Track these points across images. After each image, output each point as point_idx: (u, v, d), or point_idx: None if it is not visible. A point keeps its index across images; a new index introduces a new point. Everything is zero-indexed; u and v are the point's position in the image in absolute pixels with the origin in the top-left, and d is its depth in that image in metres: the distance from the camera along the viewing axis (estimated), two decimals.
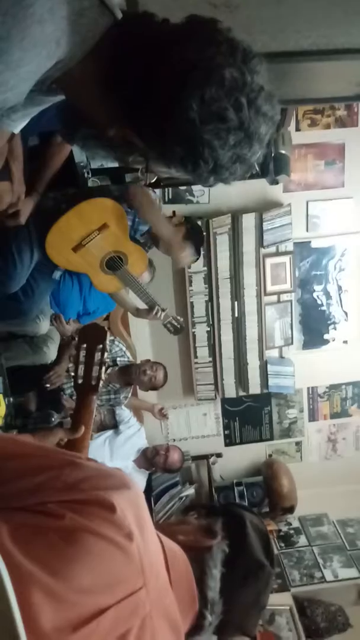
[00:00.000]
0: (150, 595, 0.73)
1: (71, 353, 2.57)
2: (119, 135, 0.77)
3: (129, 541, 0.71)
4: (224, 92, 0.70)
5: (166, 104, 0.71)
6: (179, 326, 2.66)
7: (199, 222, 3.29)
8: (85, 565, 0.67)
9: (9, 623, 0.56)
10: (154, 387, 3.03)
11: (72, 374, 1.19)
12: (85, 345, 1.19)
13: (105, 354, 1.19)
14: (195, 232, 2.66)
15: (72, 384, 1.21)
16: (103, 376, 1.19)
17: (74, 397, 1.21)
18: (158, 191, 3.24)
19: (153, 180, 0.84)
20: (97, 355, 1.18)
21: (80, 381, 1.18)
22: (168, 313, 2.57)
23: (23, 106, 0.84)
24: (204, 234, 3.17)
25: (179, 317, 2.67)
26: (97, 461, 0.83)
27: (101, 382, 1.18)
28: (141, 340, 3.56)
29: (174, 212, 3.13)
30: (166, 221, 2.39)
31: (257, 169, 2.95)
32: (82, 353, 1.19)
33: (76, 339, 1.28)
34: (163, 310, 2.50)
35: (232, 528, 0.89)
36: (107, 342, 1.20)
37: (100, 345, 1.19)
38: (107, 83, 0.75)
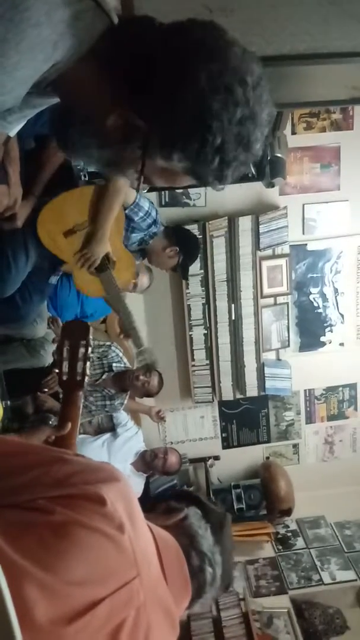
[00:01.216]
0: (144, 585, 0.74)
1: (37, 342, 2.52)
2: (119, 122, 0.75)
3: (121, 533, 0.72)
4: (230, 68, 0.71)
5: (174, 76, 0.70)
6: (150, 362, 2.40)
7: (196, 225, 3.31)
8: (78, 558, 0.67)
9: (3, 618, 0.56)
10: (148, 393, 3.00)
11: (57, 370, 1.18)
12: (68, 342, 1.18)
13: (89, 349, 1.18)
14: (189, 258, 2.60)
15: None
16: (88, 371, 1.18)
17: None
18: (154, 194, 3.25)
19: (145, 191, 0.81)
20: (81, 351, 1.17)
21: (65, 377, 1.17)
22: (144, 346, 2.33)
23: (19, 108, 0.84)
24: (200, 241, 3.17)
25: (154, 354, 2.41)
26: (85, 456, 0.84)
27: (86, 378, 1.17)
28: None
29: (172, 227, 3.12)
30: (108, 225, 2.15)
31: (254, 171, 2.96)
32: (66, 349, 1.18)
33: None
34: (137, 339, 2.26)
35: (185, 499, 0.96)
36: (90, 337, 1.19)
37: (84, 341, 1.18)
38: (109, 67, 0.74)
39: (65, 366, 1.17)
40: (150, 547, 0.80)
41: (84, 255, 2.10)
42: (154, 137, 0.74)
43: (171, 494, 1.07)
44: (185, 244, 2.60)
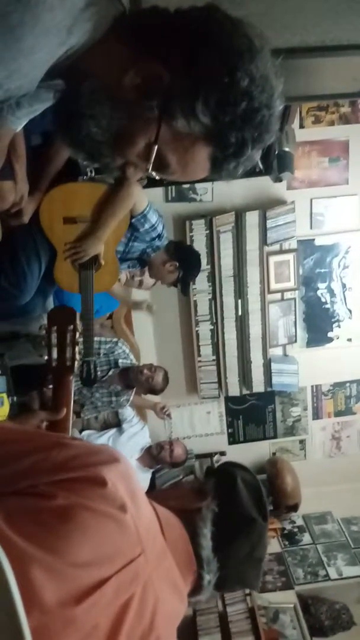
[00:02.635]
0: (149, 561, 0.75)
1: (43, 337, 2.50)
2: (137, 79, 0.71)
3: (123, 512, 0.73)
4: (249, 25, 0.72)
5: (197, 31, 0.70)
6: (91, 374, 2.34)
7: (203, 220, 3.29)
8: (82, 540, 0.68)
9: (8, 605, 0.57)
10: (152, 389, 3.00)
11: (46, 357, 1.18)
12: (55, 328, 1.18)
13: (77, 334, 1.18)
14: (189, 274, 2.54)
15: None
16: (77, 356, 1.18)
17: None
18: (161, 190, 3.23)
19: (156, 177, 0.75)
20: (69, 336, 1.18)
21: (54, 364, 1.17)
22: (91, 358, 2.31)
23: (29, 103, 0.83)
24: (204, 246, 3.16)
25: (95, 364, 2.37)
26: (82, 439, 0.84)
27: (76, 362, 1.17)
28: (144, 339, 3.55)
29: (176, 243, 3.10)
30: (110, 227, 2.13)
31: (261, 166, 2.94)
32: (54, 336, 1.18)
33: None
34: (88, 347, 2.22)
35: (223, 487, 0.91)
36: (78, 321, 1.19)
37: (71, 326, 1.18)
38: (125, 40, 0.73)
39: (54, 353, 1.18)
40: (153, 524, 0.81)
41: (76, 248, 2.09)
42: (175, 87, 0.70)
43: (223, 468, 1.02)
44: (186, 260, 2.55)
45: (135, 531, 0.74)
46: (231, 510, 0.89)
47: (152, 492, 0.85)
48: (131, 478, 0.78)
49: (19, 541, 0.64)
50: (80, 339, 1.21)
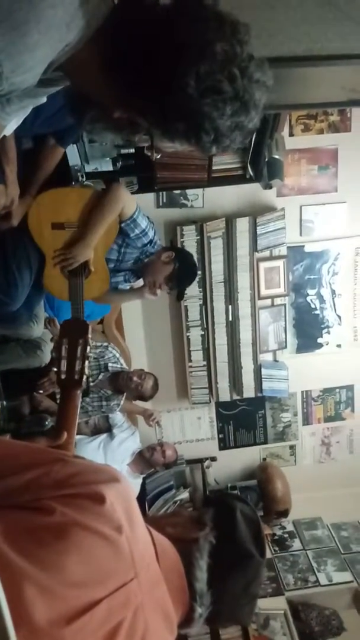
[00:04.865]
0: (142, 586, 0.74)
1: (33, 342, 2.50)
2: (124, 115, 0.83)
3: (119, 534, 0.72)
4: (217, 66, 0.75)
5: (164, 82, 0.76)
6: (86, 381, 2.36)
7: (193, 226, 3.31)
8: (76, 559, 0.67)
9: None
10: (141, 396, 2.99)
11: (55, 369, 1.17)
12: (66, 340, 1.18)
13: (88, 348, 1.18)
14: (185, 270, 2.44)
15: None
16: (86, 370, 1.17)
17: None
18: (152, 195, 3.24)
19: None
20: (80, 350, 1.17)
21: (63, 376, 1.17)
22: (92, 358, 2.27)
23: (19, 99, 0.86)
24: (198, 245, 3.16)
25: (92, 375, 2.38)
26: (84, 458, 0.83)
27: (84, 377, 1.17)
28: (135, 344, 3.55)
29: (171, 242, 3.09)
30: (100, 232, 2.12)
31: (252, 172, 2.96)
32: (64, 348, 1.17)
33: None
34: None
35: (222, 518, 0.89)
36: (89, 335, 1.18)
37: (82, 340, 1.17)
38: (109, 66, 0.80)
39: (63, 365, 1.17)
40: (149, 549, 0.79)
41: (65, 255, 2.08)
42: (156, 132, 0.84)
43: (222, 499, 0.98)
44: (181, 256, 2.48)
45: (129, 554, 0.73)
46: (229, 543, 0.87)
47: (150, 516, 0.82)
48: (130, 500, 0.78)
49: (14, 556, 0.63)
50: (91, 354, 1.20)
